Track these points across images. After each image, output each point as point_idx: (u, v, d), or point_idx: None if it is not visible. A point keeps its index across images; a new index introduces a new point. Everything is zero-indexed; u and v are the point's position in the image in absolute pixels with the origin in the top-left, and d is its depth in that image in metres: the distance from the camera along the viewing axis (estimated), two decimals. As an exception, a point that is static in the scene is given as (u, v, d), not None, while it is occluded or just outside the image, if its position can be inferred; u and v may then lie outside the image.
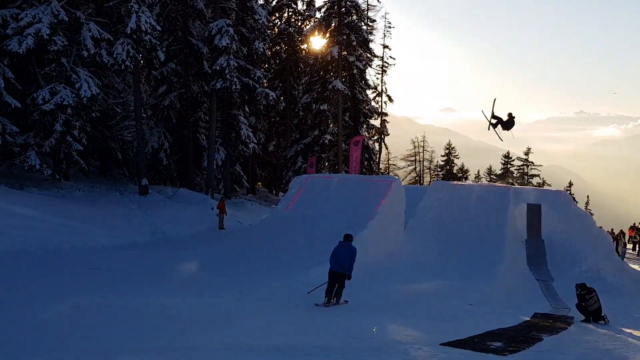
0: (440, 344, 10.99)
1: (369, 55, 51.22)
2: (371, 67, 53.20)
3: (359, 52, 47.29)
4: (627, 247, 37.63)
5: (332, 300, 14.63)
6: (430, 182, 63.40)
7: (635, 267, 28.82)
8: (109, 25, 30.01)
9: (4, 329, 10.12)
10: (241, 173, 41.92)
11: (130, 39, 28.54)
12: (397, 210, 23.58)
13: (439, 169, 66.98)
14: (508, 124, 21.88)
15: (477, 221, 25.01)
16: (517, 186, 35.13)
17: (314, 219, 23.72)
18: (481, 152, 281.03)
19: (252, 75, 38.15)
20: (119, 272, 17.31)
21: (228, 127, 38.78)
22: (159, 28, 30.12)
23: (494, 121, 21.83)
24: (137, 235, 25.20)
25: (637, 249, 38.16)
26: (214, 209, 30.50)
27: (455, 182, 43.21)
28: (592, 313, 15.71)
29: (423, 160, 66.36)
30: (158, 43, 30.20)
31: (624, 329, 14.68)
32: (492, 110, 21.70)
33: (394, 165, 65.06)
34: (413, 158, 66.24)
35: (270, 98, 39.51)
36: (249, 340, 10.45)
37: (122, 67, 28.85)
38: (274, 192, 53.21)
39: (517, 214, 25.85)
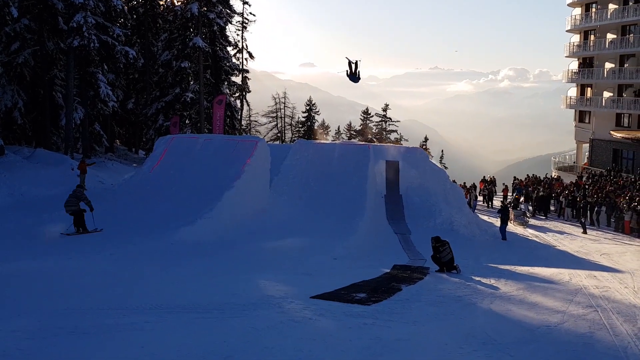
0: (310, 297, 11.71)
1: (229, 12, 51.03)
2: (231, 24, 53.12)
3: (219, 9, 46.90)
4: (478, 199, 40.30)
5: None
6: (292, 138, 64.29)
7: (485, 218, 31.17)
8: (-45, -21, 28.25)
9: None
10: (101, 132, 40.93)
11: (-21, -7, 27.08)
12: (263, 170, 24.24)
13: (300, 125, 67.55)
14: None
15: (339, 178, 26.14)
16: (376, 143, 36.77)
17: (180, 180, 23.91)
18: (342, 108, 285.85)
19: (111, 33, 37.18)
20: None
21: (86, 85, 37.64)
22: (10, -18, 28.67)
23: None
24: (-6, 198, 24.40)
25: (487, 201, 40.93)
26: (74, 170, 29.89)
27: (318, 140, 44.52)
28: (446, 263, 16.90)
29: (284, 117, 66.66)
30: (10, -2, 28.81)
31: (473, 277, 15.83)
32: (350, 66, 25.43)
33: (256, 122, 65.06)
34: (274, 114, 66.38)
35: (130, 56, 38.68)
36: (127, 300, 10.66)
37: (-29, 23, 27.35)
38: (133, 150, 52.15)
39: (377, 171, 27.27)
